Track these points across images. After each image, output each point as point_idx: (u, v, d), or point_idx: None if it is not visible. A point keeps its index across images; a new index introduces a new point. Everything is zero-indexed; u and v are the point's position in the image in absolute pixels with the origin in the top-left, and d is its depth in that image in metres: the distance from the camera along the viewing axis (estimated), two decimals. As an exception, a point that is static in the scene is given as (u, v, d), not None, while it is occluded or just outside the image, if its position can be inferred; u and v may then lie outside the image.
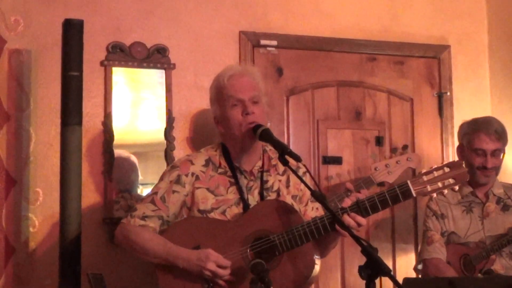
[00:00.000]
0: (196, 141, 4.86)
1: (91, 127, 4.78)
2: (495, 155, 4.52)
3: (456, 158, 5.41)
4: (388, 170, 4.19)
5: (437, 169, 3.39)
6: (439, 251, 4.53)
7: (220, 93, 3.56)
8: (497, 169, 4.57)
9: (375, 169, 4.22)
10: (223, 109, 3.54)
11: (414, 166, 4.33)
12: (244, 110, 3.49)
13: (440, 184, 3.38)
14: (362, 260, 2.88)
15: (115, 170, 4.80)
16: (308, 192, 3.60)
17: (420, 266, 4.62)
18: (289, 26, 5.29)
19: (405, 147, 4.37)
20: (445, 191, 3.40)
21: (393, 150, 4.31)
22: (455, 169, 3.38)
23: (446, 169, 3.39)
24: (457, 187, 3.43)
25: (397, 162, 4.18)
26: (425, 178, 3.38)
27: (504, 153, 4.60)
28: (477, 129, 4.54)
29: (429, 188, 3.37)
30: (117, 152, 4.82)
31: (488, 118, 4.71)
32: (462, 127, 4.68)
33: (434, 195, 3.41)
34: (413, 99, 5.55)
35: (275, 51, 5.26)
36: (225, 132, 3.58)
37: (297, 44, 5.30)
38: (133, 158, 4.90)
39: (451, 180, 3.37)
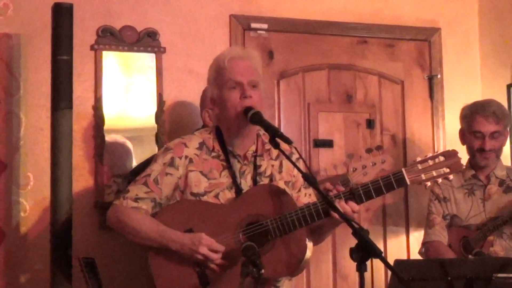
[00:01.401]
0: (187, 125, 4.86)
1: (81, 112, 4.77)
2: (494, 137, 4.48)
3: (447, 142, 5.44)
4: (364, 172, 4.19)
5: (431, 158, 3.37)
6: (439, 234, 4.54)
7: (219, 74, 3.53)
8: (497, 151, 4.54)
9: (353, 170, 4.22)
10: (221, 90, 3.51)
11: (387, 168, 4.33)
12: (242, 93, 3.47)
13: (434, 173, 3.36)
14: (353, 242, 2.88)
15: (110, 155, 4.81)
16: (301, 178, 3.60)
17: (423, 249, 4.63)
18: (280, 9, 5.28)
19: (379, 147, 4.37)
20: (439, 180, 3.39)
21: (368, 150, 4.32)
22: (450, 158, 3.36)
23: (441, 158, 3.37)
24: (451, 177, 3.41)
25: (372, 164, 4.20)
26: (419, 166, 3.37)
27: (507, 134, 4.58)
28: (475, 112, 4.51)
29: (423, 176, 3.36)
30: (113, 137, 4.83)
31: (488, 100, 4.66)
32: (462, 110, 4.64)
33: (428, 183, 3.40)
34: (404, 82, 5.56)
35: (266, 34, 5.25)
36: (220, 114, 3.56)
37: (287, 27, 5.30)
38: (128, 144, 4.90)
39: (445, 169, 3.35)
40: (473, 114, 4.51)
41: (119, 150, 4.87)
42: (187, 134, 3.69)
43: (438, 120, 5.55)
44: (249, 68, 3.52)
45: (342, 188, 3.46)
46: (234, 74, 3.48)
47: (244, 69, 3.50)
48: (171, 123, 4.92)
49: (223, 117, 3.53)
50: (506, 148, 5.05)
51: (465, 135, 4.59)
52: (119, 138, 4.87)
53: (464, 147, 4.60)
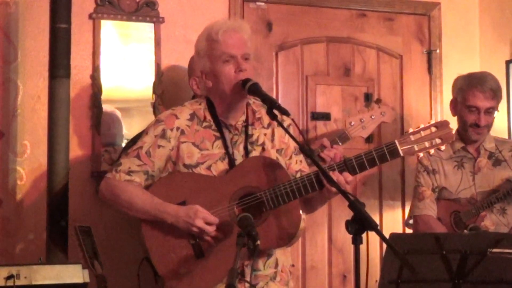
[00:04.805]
0: (185, 96, 4.84)
1: (79, 80, 4.76)
2: (488, 112, 4.45)
3: (444, 117, 5.43)
4: (362, 125, 4.15)
5: (424, 129, 3.41)
6: (430, 208, 4.51)
7: (211, 47, 3.51)
8: (489, 126, 4.52)
9: (350, 124, 4.18)
10: (214, 64, 3.50)
11: (387, 121, 4.29)
12: (238, 67, 3.46)
13: (427, 144, 3.41)
14: (349, 215, 2.89)
15: (102, 125, 4.80)
16: (292, 145, 3.61)
17: (411, 221, 4.62)
18: (279, -19, 5.26)
19: (378, 100, 4.34)
20: (432, 151, 3.42)
21: (367, 104, 4.29)
22: (442, 129, 3.41)
23: (433, 129, 3.41)
24: (443, 147, 3.44)
25: (371, 117, 4.14)
26: (412, 137, 3.41)
27: (497, 110, 4.55)
28: (472, 86, 4.45)
29: (416, 147, 3.40)
30: (104, 106, 4.82)
31: (484, 74, 4.60)
32: (456, 81, 4.59)
33: (421, 154, 3.42)
34: (403, 56, 5.55)
35: (265, 6, 5.23)
36: (213, 87, 3.55)
37: (287, -1, 5.29)
38: (117, 113, 4.88)
39: (437, 140, 3.39)
40: (470, 88, 4.46)
41: (110, 120, 4.86)
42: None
43: (436, 94, 5.55)
44: (242, 41, 3.52)
45: (339, 147, 3.48)
46: (227, 47, 3.47)
47: (237, 42, 3.50)
48: (168, 94, 4.91)
49: (217, 90, 3.52)
50: (503, 124, 5.06)
51: (457, 107, 4.55)
52: (108, 107, 4.86)
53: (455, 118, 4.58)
